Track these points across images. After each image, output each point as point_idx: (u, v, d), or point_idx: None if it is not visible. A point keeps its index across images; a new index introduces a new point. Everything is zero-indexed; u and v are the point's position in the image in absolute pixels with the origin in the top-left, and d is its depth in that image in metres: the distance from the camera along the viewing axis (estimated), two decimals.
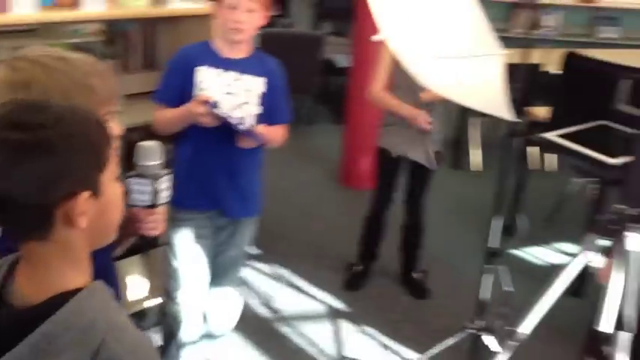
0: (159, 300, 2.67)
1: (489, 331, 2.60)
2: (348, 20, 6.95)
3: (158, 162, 1.46)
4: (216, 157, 2.24)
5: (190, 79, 2.19)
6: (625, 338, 1.79)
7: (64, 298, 0.87)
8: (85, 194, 0.89)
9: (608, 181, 2.98)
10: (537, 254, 3.79)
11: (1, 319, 0.89)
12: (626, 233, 1.79)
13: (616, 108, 1.92)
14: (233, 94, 2.21)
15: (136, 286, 2.70)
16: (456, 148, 4.94)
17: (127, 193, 1.38)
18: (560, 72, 2.23)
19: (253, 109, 2.23)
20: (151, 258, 2.58)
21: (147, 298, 2.70)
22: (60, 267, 0.90)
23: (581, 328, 2.35)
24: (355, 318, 3.10)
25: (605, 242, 1.92)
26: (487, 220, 2.55)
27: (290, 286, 3.33)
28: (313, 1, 7.82)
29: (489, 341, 2.57)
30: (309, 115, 5.75)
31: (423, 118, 2.89)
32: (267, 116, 2.25)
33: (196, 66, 2.19)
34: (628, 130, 1.83)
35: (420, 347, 2.83)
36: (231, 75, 2.20)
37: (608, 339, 1.80)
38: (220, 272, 2.43)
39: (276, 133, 2.30)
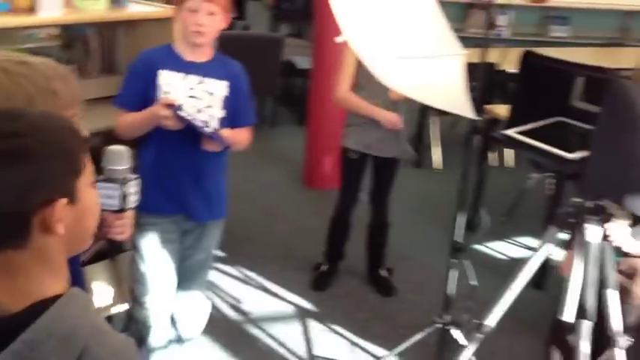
0: (126, 306, 2.63)
1: (456, 325, 2.65)
2: (305, 22, 7.00)
3: (126, 166, 1.46)
4: (181, 161, 2.24)
5: (153, 83, 2.17)
6: (586, 326, 1.85)
7: (43, 305, 0.87)
8: (63, 201, 0.88)
9: (567, 175, 3.07)
10: (499, 248, 3.87)
11: None
12: (585, 225, 1.85)
13: (572, 105, 1.98)
14: (196, 98, 2.20)
15: (103, 292, 2.66)
16: (418, 147, 5.01)
17: None
18: (517, 71, 2.30)
19: (217, 112, 2.23)
20: (118, 263, 2.55)
21: (113, 304, 2.66)
22: (38, 274, 0.90)
23: (544, 318, 2.41)
24: (323, 317, 3.12)
25: (564, 235, 1.98)
26: (450, 217, 2.60)
27: (257, 288, 3.33)
28: (270, 3, 7.82)
29: (457, 335, 2.62)
30: (272, 117, 5.75)
31: (395, 119, 2.93)
32: (231, 119, 2.26)
33: (158, 70, 2.18)
34: (584, 125, 1.89)
35: (388, 344, 2.86)
36: (195, 78, 2.20)
37: (571, 328, 1.86)
38: (188, 276, 2.42)
39: (240, 136, 2.30)
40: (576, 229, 1.88)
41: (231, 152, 2.33)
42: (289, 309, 3.18)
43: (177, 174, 2.25)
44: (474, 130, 2.55)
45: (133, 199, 1.49)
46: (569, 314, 1.85)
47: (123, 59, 2.98)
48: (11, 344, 0.83)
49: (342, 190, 3.25)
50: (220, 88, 2.22)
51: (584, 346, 1.86)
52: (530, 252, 2.11)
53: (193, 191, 2.28)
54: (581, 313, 1.84)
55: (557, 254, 2.19)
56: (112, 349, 0.89)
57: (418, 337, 2.70)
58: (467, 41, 2.07)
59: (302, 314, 3.14)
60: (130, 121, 2.20)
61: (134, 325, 2.36)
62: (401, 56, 1.85)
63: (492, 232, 3.93)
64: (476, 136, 2.56)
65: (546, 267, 2.88)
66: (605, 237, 1.84)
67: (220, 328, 2.95)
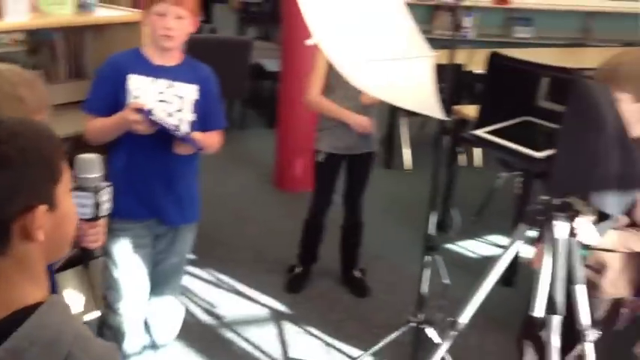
0: (98, 313, 2.61)
1: (430, 323, 2.69)
2: (272, 25, 7.01)
3: (98, 174, 1.45)
4: (152, 165, 2.22)
5: (122, 88, 2.16)
6: (556, 321, 1.89)
7: (25, 313, 0.87)
8: (42, 208, 0.88)
9: (535, 173, 3.13)
10: (470, 247, 3.93)
11: None
12: (553, 222, 1.89)
13: (538, 104, 2.02)
14: (166, 102, 2.19)
15: (74, 299, 2.63)
16: (388, 148, 5.05)
17: None
18: (484, 71, 2.33)
19: (187, 116, 2.22)
20: (90, 270, 2.52)
21: (85, 312, 2.63)
22: (19, 282, 0.89)
23: (514, 315, 2.46)
24: (298, 319, 3.12)
25: (533, 233, 2.02)
26: (420, 217, 2.63)
27: (230, 291, 3.32)
28: (237, 6, 7.82)
29: (431, 333, 2.65)
30: (240, 120, 5.74)
31: (365, 122, 2.95)
32: (201, 123, 2.25)
33: (127, 74, 2.16)
34: (551, 125, 1.93)
35: (363, 344, 2.88)
36: (164, 82, 2.19)
37: (543, 324, 1.90)
38: (161, 281, 2.40)
39: (212, 139, 2.30)
40: (545, 226, 1.92)
41: (201, 156, 2.32)
42: (263, 312, 3.18)
43: (149, 178, 2.24)
44: (444, 131, 2.59)
45: (105, 207, 1.49)
46: (539, 309, 1.89)
47: (91, 64, 2.95)
48: None
49: (315, 192, 3.26)
50: (190, 92, 2.22)
51: (555, 340, 1.90)
52: (500, 250, 2.15)
53: (165, 195, 2.26)
54: (551, 307, 1.88)
55: (527, 251, 2.24)
56: (95, 356, 0.89)
57: (393, 336, 2.73)
58: (434, 43, 2.10)
59: (276, 317, 3.14)
60: (100, 126, 2.18)
61: (108, 332, 2.34)
62: (371, 59, 1.87)
63: (463, 231, 3.99)
64: (445, 137, 2.60)
65: (516, 264, 2.94)
66: (573, 233, 1.89)
67: (194, 333, 2.94)
